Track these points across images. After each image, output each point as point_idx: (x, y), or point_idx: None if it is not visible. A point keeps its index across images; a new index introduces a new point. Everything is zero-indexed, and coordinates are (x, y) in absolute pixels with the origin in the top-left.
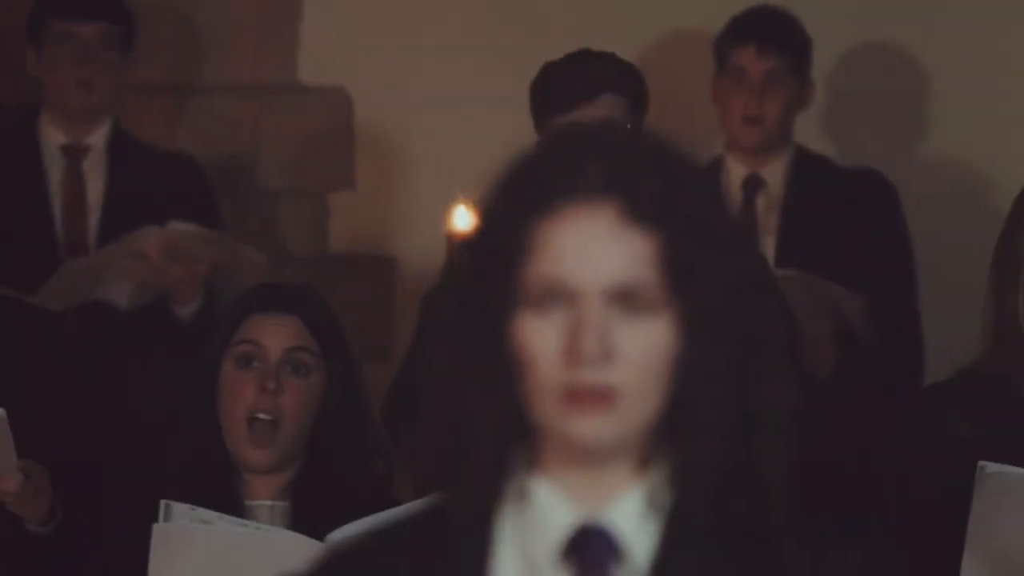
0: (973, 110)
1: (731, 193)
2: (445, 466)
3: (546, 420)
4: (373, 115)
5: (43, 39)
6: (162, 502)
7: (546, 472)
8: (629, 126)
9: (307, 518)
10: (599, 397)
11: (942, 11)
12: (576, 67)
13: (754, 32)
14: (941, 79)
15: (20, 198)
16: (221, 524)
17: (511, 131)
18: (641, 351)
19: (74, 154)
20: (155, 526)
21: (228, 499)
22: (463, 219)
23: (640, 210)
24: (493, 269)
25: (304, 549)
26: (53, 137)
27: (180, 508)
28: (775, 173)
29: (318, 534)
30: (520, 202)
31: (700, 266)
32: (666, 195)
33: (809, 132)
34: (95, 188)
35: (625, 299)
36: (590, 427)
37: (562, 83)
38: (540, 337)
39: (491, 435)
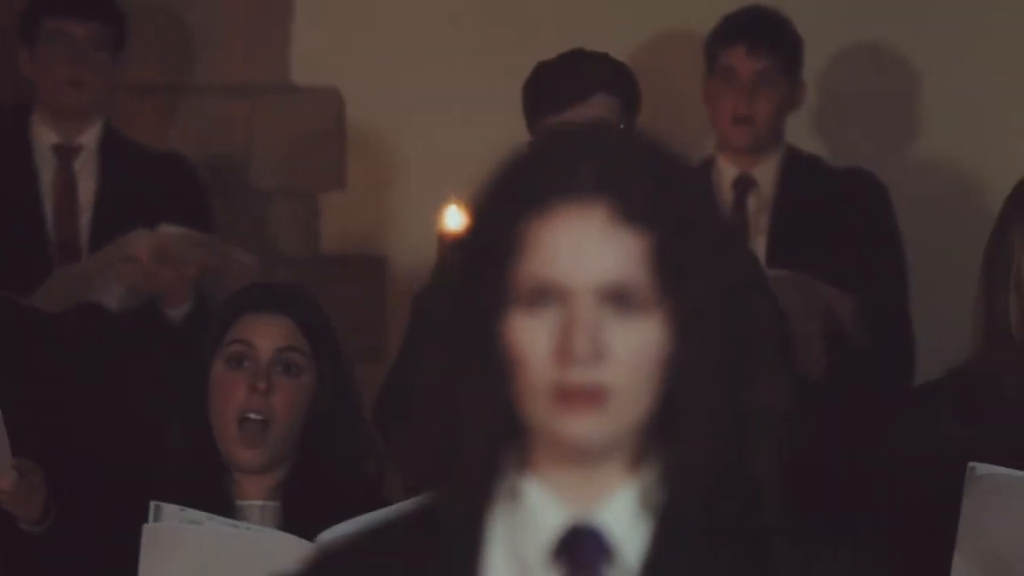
0: (964, 110)
1: (722, 193)
2: (436, 466)
3: (537, 420)
4: (365, 115)
5: (36, 38)
6: (152, 503)
7: (537, 472)
8: (621, 126)
9: (298, 518)
10: (590, 397)
11: (933, 11)
12: (569, 67)
13: (744, 32)
14: (932, 79)
15: (11, 198)
16: (211, 525)
17: (503, 131)
18: (632, 351)
19: (66, 154)
20: (145, 527)
21: (219, 499)
22: (454, 219)
23: (632, 210)
24: (485, 268)
25: (294, 549)
26: (45, 137)
27: (170, 509)
28: (766, 173)
29: (309, 534)
30: (512, 201)
31: (691, 266)
32: (658, 195)
33: (800, 132)
34: (87, 188)
35: (617, 299)
36: (581, 427)
37: (555, 83)
38: (531, 336)
39: (482, 435)
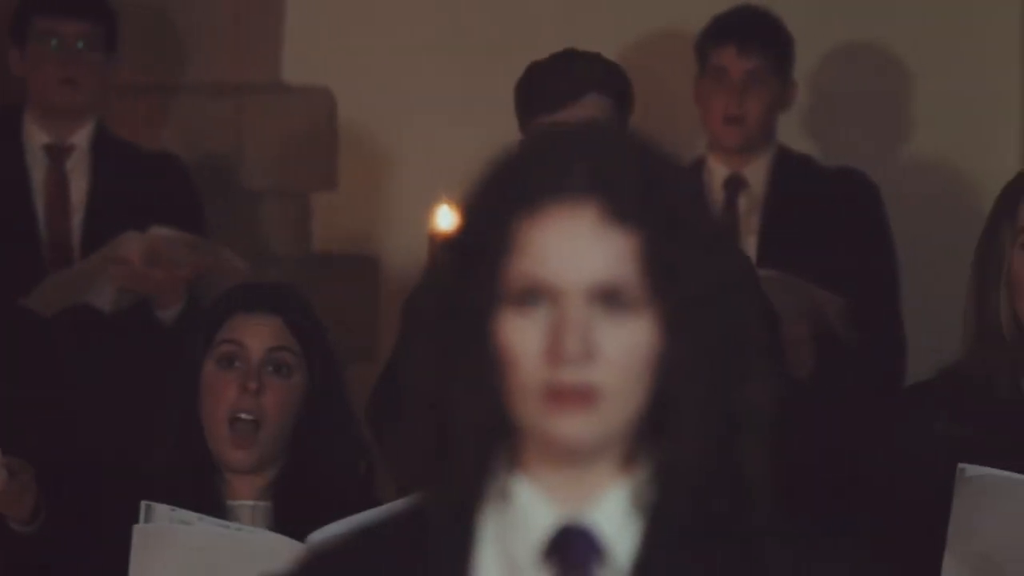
0: (956, 110)
1: (713, 193)
2: (427, 465)
3: (528, 419)
4: (356, 115)
5: (27, 38)
6: (143, 503)
7: (528, 472)
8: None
9: (289, 518)
10: (581, 396)
11: (925, 11)
12: (561, 67)
13: (735, 32)
14: (924, 79)
15: (3, 198)
16: (201, 525)
17: (495, 131)
18: (623, 351)
19: (58, 154)
20: (136, 527)
21: (210, 499)
22: (446, 219)
23: (622, 209)
24: (476, 268)
25: (285, 549)
26: (36, 137)
27: (161, 509)
28: (757, 173)
29: (300, 534)
30: (503, 201)
31: (682, 266)
32: (648, 195)
33: (792, 132)
34: (78, 188)
35: (607, 298)
36: (572, 426)
37: (547, 83)
38: (522, 336)
39: (473, 434)
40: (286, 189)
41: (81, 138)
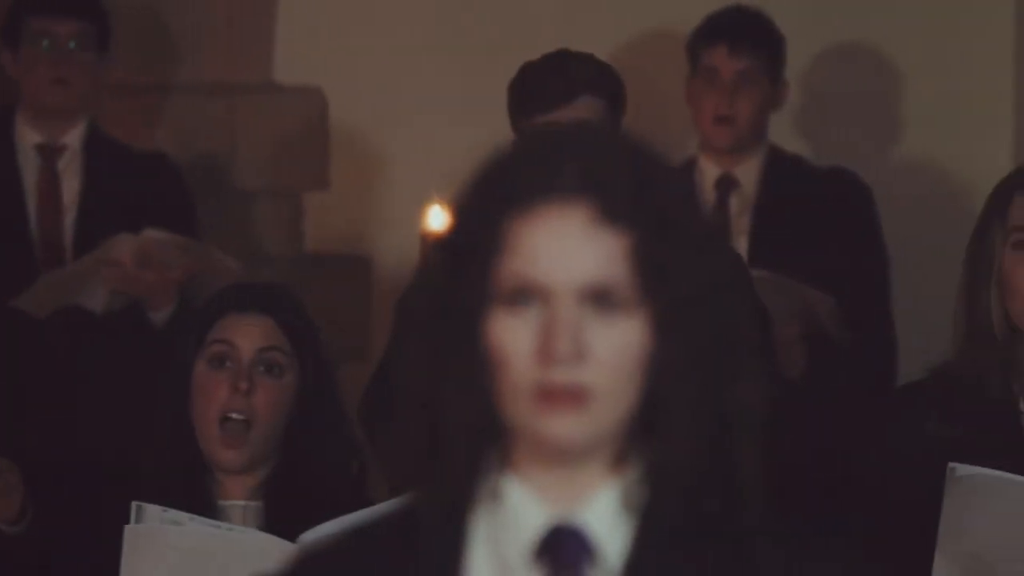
0: (948, 111)
1: (704, 193)
2: (419, 466)
3: (519, 419)
4: (348, 115)
5: (19, 39)
6: (134, 503)
7: (519, 472)
8: (605, 126)
9: (280, 518)
10: (572, 396)
11: (916, 11)
12: (554, 68)
13: (726, 32)
14: (915, 80)
15: None
16: (192, 525)
17: (487, 132)
18: (614, 351)
19: (50, 154)
20: (127, 528)
21: (201, 499)
22: (438, 219)
23: (613, 210)
24: (467, 268)
25: (277, 550)
26: (28, 137)
27: (152, 509)
28: (748, 173)
29: (291, 534)
30: (494, 201)
31: (673, 266)
32: (639, 195)
33: (784, 132)
34: (70, 188)
35: (598, 298)
36: (563, 426)
37: (540, 84)
38: (513, 336)
39: (464, 435)
40: (278, 189)
41: (73, 138)
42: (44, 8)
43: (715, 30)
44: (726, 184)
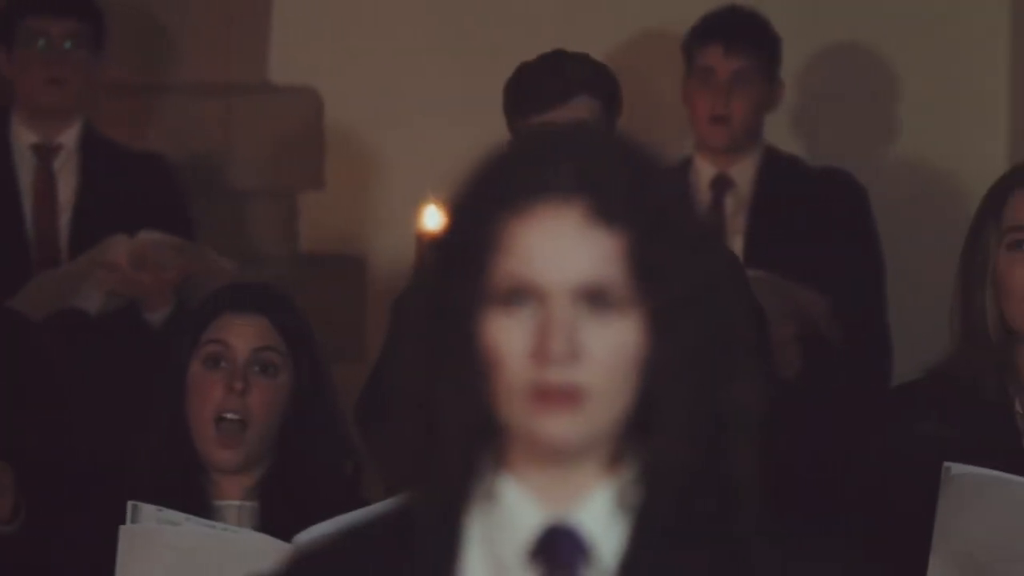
0: (943, 111)
1: (700, 193)
2: (414, 466)
3: (514, 419)
4: (343, 115)
5: (14, 39)
6: (129, 503)
7: (514, 472)
8: (600, 126)
9: (275, 518)
10: (567, 397)
11: (911, 12)
12: (550, 68)
13: (722, 32)
14: (911, 80)
15: None
16: (188, 525)
17: (482, 132)
18: (609, 351)
19: (45, 153)
20: (122, 528)
21: (196, 499)
22: (433, 219)
23: (608, 209)
24: (462, 268)
25: (272, 550)
26: (24, 137)
27: (148, 509)
28: (744, 173)
29: (286, 534)
30: (489, 201)
31: (668, 266)
32: (634, 194)
33: (780, 132)
34: (66, 187)
35: (593, 298)
36: (558, 426)
37: (537, 84)
38: (508, 336)
39: (459, 435)
40: (273, 189)
41: (69, 138)
42: (39, 8)
43: (711, 30)
44: (721, 184)
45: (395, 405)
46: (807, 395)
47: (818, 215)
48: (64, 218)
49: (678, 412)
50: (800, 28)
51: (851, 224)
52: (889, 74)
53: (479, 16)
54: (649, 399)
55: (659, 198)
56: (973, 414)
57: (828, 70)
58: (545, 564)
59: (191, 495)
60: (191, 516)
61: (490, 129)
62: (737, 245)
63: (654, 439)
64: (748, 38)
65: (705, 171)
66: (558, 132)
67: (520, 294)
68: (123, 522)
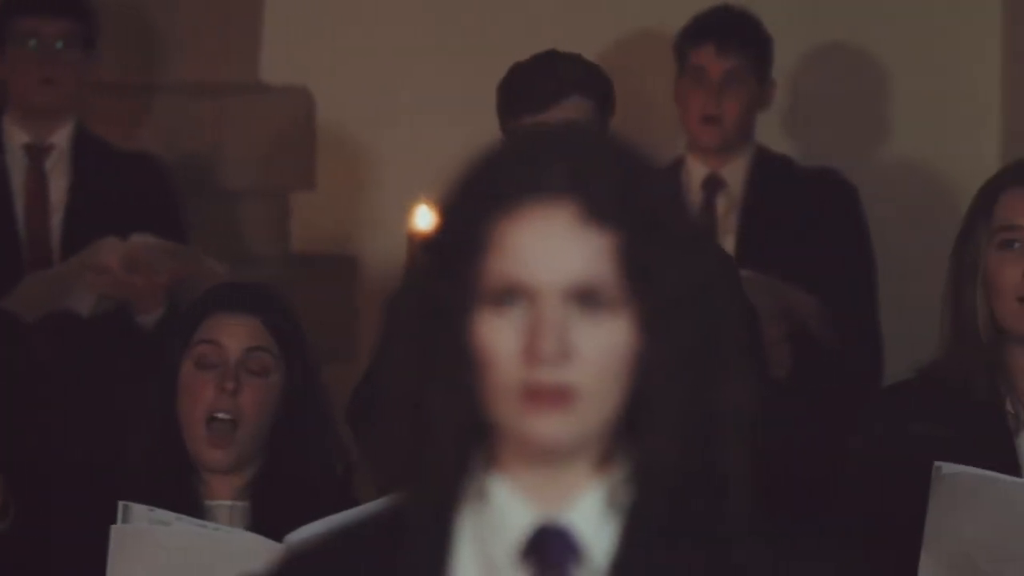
0: (934, 111)
1: (691, 193)
2: (405, 465)
3: (505, 419)
4: (335, 115)
5: (6, 39)
6: (120, 503)
7: (505, 472)
8: (591, 126)
9: (266, 518)
10: (557, 396)
11: (902, 11)
12: (544, 69)
13: (714, 32)
14: (902, 80)
15: None
16: (179, 525)
17: (475, 131)
18: (600, 350)
19: (37, 153)
20: (113, 527)
21: (187, 499)
22: (425, 219)
23: (599, 209)
24: (453, 267)
25: (263, 550)
26: (16, 136)
27: (139, 509)
28: (735, 173)
29: (277, 534)
30: (480, 200)
31: (659, 266)
32: (625, 194)
33: (771, 132)
34: (58, 187)
35: (584, 298)
36: (548, 426)
37: (530, 85)
38: (499, 336)
39: (450, 434)
40: (265, 189)
41: (61, 138)
42: (31, 8)
43: (702, 30)
44: (713, 184)
45: (386, 405)
46: (798, 395)
47: (809, 215)
48: (56, 218)
49: (669, 412)
50: (792, 28)
51: (842, 224)
52: (881, 74)
53: (471, 16)
54: (640, 399)
55: (651, 198)
56: (964, 414)
57: (820, 70)
58: (536, 564)
59: (182, 495)
60: (182, 516)
61: (483, 129)
62: (728, 245)
63: (645, 439)
64: (740, 38)
65: (697, 171)
66: (549, 132)
67: (511, 294)
68: (114, 522)
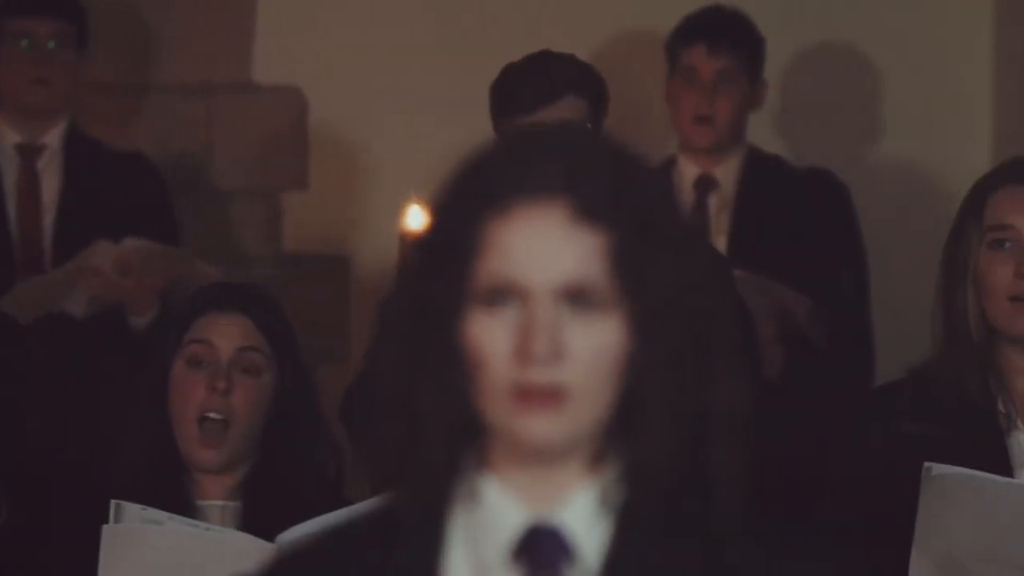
0: (926, 111)
1: (683, 193)
2: (397, 466)
3: (496, 419)
4: (327, 115)
5: None
6: (113, 502)
7: (497, 472)
8: (588, 127)
9: (258, 518)
10: (549, 396)
11: (895, 11)
12: (537, 69)
13: (705, 32)
14: (894, 80)
15: None
16: (171, 524)
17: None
18: (591, 350)
19: (29, 153)
20: (105, 527)
21: (179, 499)
22: (417, 219)
23: (591, 209)
24: (444, 267)
25: (255, 550)
26: (8, 136)
27: (131, 508)
28: (727, 173)
29: (269, 534)
30: (472, 200)
31: (651, 266)
32: (617, 194)
33: (763, 132)
34: (50, 187)
35: (576, 298)
36: (540, 426)
37: (523, 85)
38: (491, 336)
39: (442, 434)
40: (257, 189)
41: (53, 137)
42: (23, 8)
43: (694, 30)
44: (705, 184)
45: (378, 405)
46: (789, 395)
47: (801, 215)
48: (48, 218)
49: (661, 412)
50: (783, 28)
51: (834, 224)
52: (872, 74)
53: (463, 16)
54: (632, 399)
55: (642, 198)
56: (956, 414)
57: (811, 70)
58: (528, 564)
59: (174, 495)
60: (174, 515)
61: (475, 130)
62: (720, 245)
63: (637, 439)
64: (732, 38)
65: (688, 171)
66: (541, 131)
67: (503, 294)
68: (106, 521)
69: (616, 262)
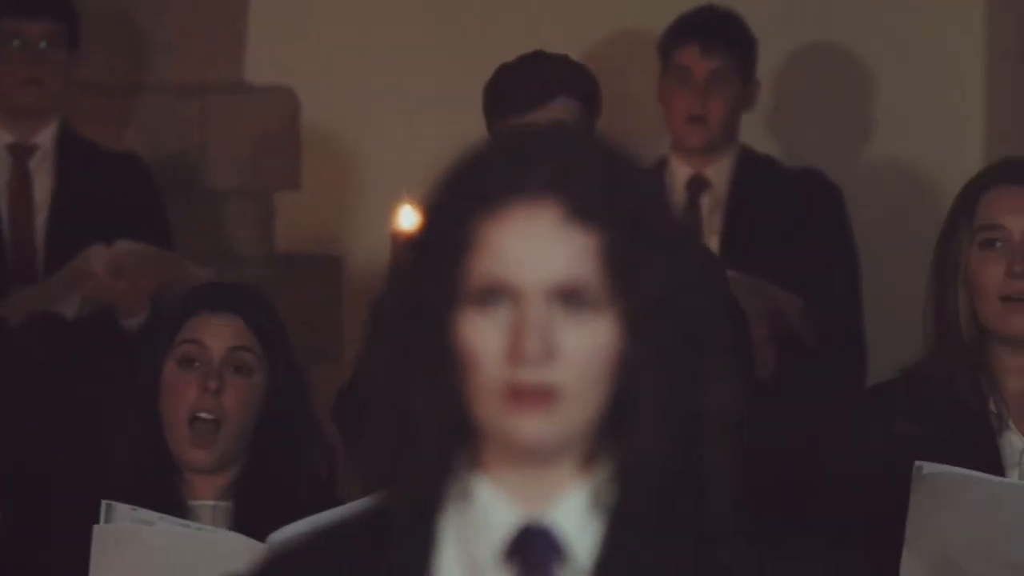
0: (918, 112)
1: (676, 193)
2: (389, 466)
3: (488, 419)
4: (320, 115)
5: None
6: (104, 502)
7: (488, 472)
8: (575, 126)
9: (249, 518)
10: (541, 396)
11: (888, 12)
12: (530, 70)
13: (698, 31)
14: (887, 80)
15: None
16: (162, 524)
17: (459, 131)
18: (583, 350)
19: (21, 153)
20: (96, 527)
21: (170, 499)
22: (409, 219)
23: (583, 209)
24: (437, 267)
25: (246, 550)
26: (0, 137)
27: (122, 508)
28: (720, 173)
29: (260, 534)
30: (464, 200)
31: (643, 266)
32: (609, 194)
33: (755, 133)
34: (42, 187)
35: (568, 298)
36: (532, 426)
37: (516, 86)
38: (483, 336)
39: (434, 434)
40: (250, 189)
41: (45, 138)
42: (15, 8)
43: (687, 29)
44: (697, 184)
45: (371, 405)
46: (782, 395)
47: (793, 215)
48: (40, 218)
49: (653, 411)
50: (776, 28)
51: (826, 224)
52: (865, 74)
53: (457, 17)
54: (624, 399)
55: (635, 198)
56: (947, 414)
57: (804, 70)
58: (520, 564)
59: (165, 495)
60: (165, 516)
61: (468, 130)
62: (713, 245)
63: (630, 439)
64: (725, 38)
65: (681, 171)
66: (533, 132)
67: (495, 294)
68: (97, 521)
69: (608, 262)
